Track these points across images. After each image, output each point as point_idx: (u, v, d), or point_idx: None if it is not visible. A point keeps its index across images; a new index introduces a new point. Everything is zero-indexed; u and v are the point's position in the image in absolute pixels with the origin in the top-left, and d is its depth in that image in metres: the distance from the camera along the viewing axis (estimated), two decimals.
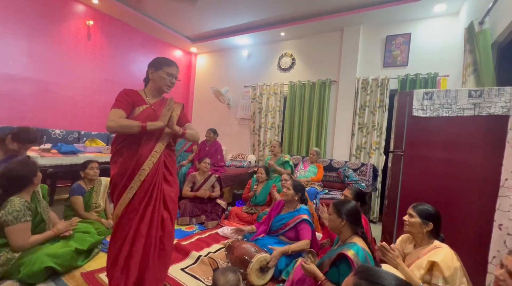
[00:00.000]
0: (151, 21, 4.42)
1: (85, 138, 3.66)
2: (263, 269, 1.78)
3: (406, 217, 1.44)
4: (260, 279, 1.76)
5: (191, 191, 3.13)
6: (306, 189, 3.04)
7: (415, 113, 1.93)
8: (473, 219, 1.73)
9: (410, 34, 3.62)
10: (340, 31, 4.08)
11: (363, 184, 3.37)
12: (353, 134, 3.89)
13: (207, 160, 3.28)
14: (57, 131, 3.53)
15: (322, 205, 2.25)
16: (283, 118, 4.60)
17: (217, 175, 3.33)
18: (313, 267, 1.37)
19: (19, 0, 3.28)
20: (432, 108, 1.87)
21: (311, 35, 4.39)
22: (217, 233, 2.73)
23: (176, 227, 2.67)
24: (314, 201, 3.09)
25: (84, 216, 2.33)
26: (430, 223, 1.34)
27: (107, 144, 3.43)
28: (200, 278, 1.82)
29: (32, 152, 2.40)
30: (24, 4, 3.33)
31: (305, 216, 2.05)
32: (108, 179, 2.60)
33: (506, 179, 1.41)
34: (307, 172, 3.58)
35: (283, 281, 1.78)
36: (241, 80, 5.11)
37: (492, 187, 1.50)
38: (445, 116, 1.82)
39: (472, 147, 1.76)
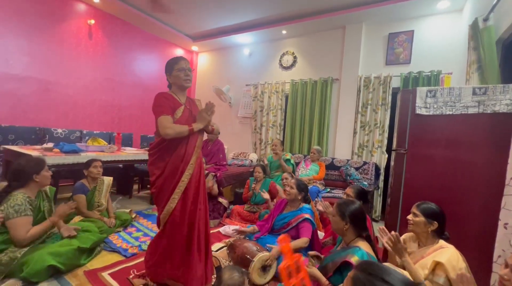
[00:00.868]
0: (152, 20, 4.41)
1: (87, 137, 3.67)
2: (265, 268, 1.78)
3: (410, 216, 1.42)
4: (262, 278, 1.76)
5: None
6: (308, 187, 3.04)
7: (418, 111, 1.91)
8: (478, 218, 1.71)
9: (413, 31, 3.59)
10: (342, 28, 4.05)
11: (365, 183, 3.36)
12: (355, 133, 3.87)
13: (202, 159, 3.27)
14: (59, 131, 3.54)
15: (322, 200, 2.23)
16: (285, 116, 4.59)
17: (213, 173, 3.32)
18: (315, 271, 1.35)
19: (20, 0, 3.28)
20: (435, 106, 1.85)
21: (313, 33, 4.36)
22: (219, 231, 2.73)
23: None
24: (316, 199, 3.08)
25: (87, 214, 2.34)
26: (435, 222, 1.32)
27: (109, 143, 3.44)
28: None
29: (35, 152, 2.41)
30: (25, 3, 3.32)
31: (307, 215, 2.04)
32: (111, 178, 2.62)
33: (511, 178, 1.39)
34: (308, 171, 3.57)
35: None
36: (243, 79, 5.10)
37: (497, 186, 1.48)
38: (448, 114, 1.80)
39: (476, 145, 1.74)
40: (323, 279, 1.32)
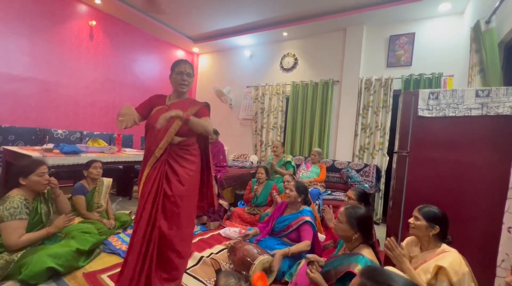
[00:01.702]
0: (154, 21, 4.42)
1: (87, 138, 3.66)
2: (266, 271, 1.76)
3: (411, 220, 1.40)
4: None
5: None
6: (309, 190, 3.02)
7: (420, 113, 1.90)
8: (481, 221, 1.70)
9: (414, 33, 3.59)
10: (343, 31, 4.05)
11: (367, 185, 3.34)
12: (356, 135, 3.86)
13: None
14: (59, 131, 3.54)
15: (327, 206, 2.21)
16: (286, 118, 4.58)
17: (214, 174, 3.31)
18: (318, 277, 1.33)
19: (21, 1, 3.28)
20: (438, 108, 1.83)
21: (313, 35, 4.36)
22: (219, 234, 2.71)
23: None
24: (317, 202, 3.06)
25: (86, 216, 2.33)
26: (437, 226, 1.30)
27: (110, 144, 3.43)
28: (202, 280, 1.81)
29: (35, 152, 2.40)
30: (27, 4, 3.33)
31: (308, 218, 2.03)
32: (110, 179, 2.61)
33: None
34: (309, 173, 3.56)
35: (286, 283, 1.76)
36: (243, 80, 5.10)
37: (501, 189, 1.46)
38: (451, 116, 1.79)
39: (479, 148, 1.72)
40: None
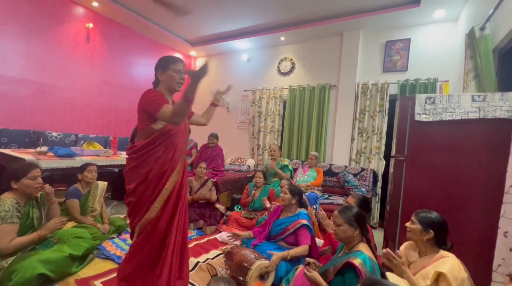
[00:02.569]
0: (151, 24, 4.41)
1: (82, 141, 3.61)
2: (262, 276, 1.74)
3: (408, 223, 1.41)
4: None
5: (189, 196, 3.09)
6: (306, 194, 3.01)
7: (417, 118, 1.91)
8: (477, 226, 1.70)
9: (409, 39, 3.64)
10: (340, 35, 4.09)
11: (363, 189, 3.35)
12: (353, 139, 3.87)
13: (203, 164, 3.24)
14: (54, 134, 3.49)
15: (321, 210, 2.20)
16: (283, 122, 4.59)
17: (213, 180, 3.29)
18: (316, 275, 1.33)
19: (18, 2, 3.26)
20: (435, 112, 1.85)
21: (311, 40, 4.40)
22: (215, 238, 2.68)
23: None
24: (314, 206, 3.05)
25: (80, 220, 2.29)
26: (431, 231, 1.31)
27: (105, 147, 3.39)
28: None
29: (28, 155, 2.36)
30: (23, 6, 3.31)
31: (305, 221, 2.01)
32: (105, 183, 2.57)
33: (511, 186, 1.39)
34: (306, 177, 3.55)
35: None
36: (241, 84, 5.10)
37: (497, 193, 1.47)
38: (448, 120, 1.80)
39: (476, 152, 1.73)
40: (323, 283, 1.30)
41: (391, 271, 1.32)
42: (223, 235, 2.68)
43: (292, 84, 4.46)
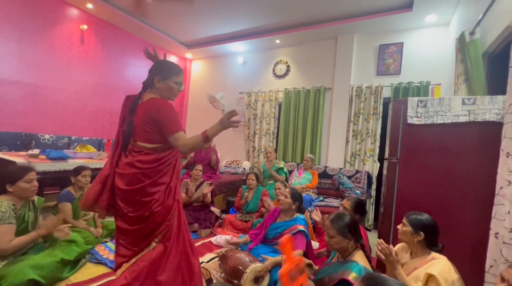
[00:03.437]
0: (146, 27, 4.40)
1: (75, 144, 3.58)
2: (257, 280, 1.73)
3: (400, 226, 1.42)
4: None
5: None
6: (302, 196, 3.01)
7: (410, 121, 1.93)
8: (469, 227, 1.72)
9: (402, 43, 3.70)
10: (334, 39, 4.14)
11: (358, 192, 3.37)
12: (347, 141, 3.90)
13: (199, 167, 3.23)
14: (47, 136, 3.44)
15: (317, 210, 2.21)
16: (278, 124, 4.60)
17: (209, 182, 3.28)
18: (310, 283, 1.32)
19: (11, 3, 3.23)
20: (426, 115, 1.88)
21: (305, 43, 4.44)
22: (210, 242, 2.66)
23: None
24: (309, 208, 3.05)
25: (72, 224, 2.24)
26: (421, 233, 1.32)
27: (99, 150, 3.35)
28: None
29: (19, 158, 2.32)
30: (16, 7, 3.27)
31: (302, 227, 2.00)
32: None
33: (501, 187, 1.41)
34: (301, 179, 3.56)
35: None
36: (236, 87, 5.11)
37: (488, 195, 1.50)
38: (440, 123, 1.83)
39: (467, 154, 1.76)
40: None
41: (384, 270, 1.33)
42: (218, 238, 2.67)
43: (287, 86, 4.49)
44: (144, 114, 1.33)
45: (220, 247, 2.51)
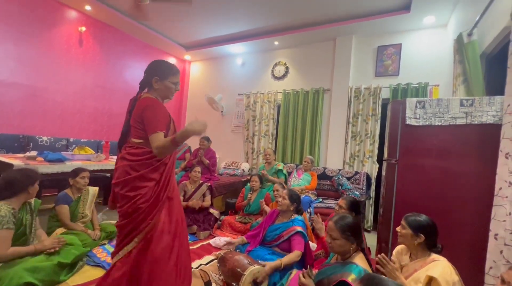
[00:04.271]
0: (145, 28, 4.40)
1: (74, 146, 3.56)
2: (256, 282, 1.72)
3: (399, 228, 1.41)
4: None
5: (183, 200, 3.05)
6: (300, 198, 3.00)
7: (408, 122, 1.93)
8: (469, 228, 1.72)
9: (400, 44, 3.71)
10: (333, 41, 4.15)
11: (357, 193, 3.36)
12: (346, 142, 3.90)
13: (198, 168, 3.22)
14: (45, 138, 3.43)
15: (316, 215, 2.20)
16: (277, 126, 4.60)
17: (208, 184, 3.27)
18: (310, 283, 1.31)
19: (9, 5, 3.22)
20: (425, 117, 1.88)
21: (304, 45, 4.44)
22: (209, 244, 2.65)
23: None
24: (308, 210, 3.05)
25: (70, 226, 2.23)
26: (421, 235, 1.31)
27: (97, 152, 3.34)
28: None
29: (17, 160, 2.30)
30: (14, 9, 3.27)
31: (300, 228, 2.00)
32: (96, 188, 2.52)
33: (500, 188, 1.41)
34: (300, 181, 3.55)
35: None
36: (235, 88, 5.11)
37: (487, 196, 1.49)
38: (437, 125, 1.83)
39: (465, 156, 1.76)
40: None
41: (384, 274, 1.32)
42: (216, 240, 2.65)
43: (286, 88, 4.49)
44: (134, 113, 1.39)
45: (219, 249, 2.49)
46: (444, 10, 3.14)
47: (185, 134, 1.24)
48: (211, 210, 3.11)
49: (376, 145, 3.67)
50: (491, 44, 2.01)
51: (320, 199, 3.42)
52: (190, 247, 2.49)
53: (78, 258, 1.91)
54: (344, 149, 3.93)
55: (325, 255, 1.97)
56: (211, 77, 5.55)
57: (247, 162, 4.80)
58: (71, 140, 3.71)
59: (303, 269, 1.48)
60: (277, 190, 2.72)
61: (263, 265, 1.77)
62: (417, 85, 3.47)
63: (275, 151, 4.32)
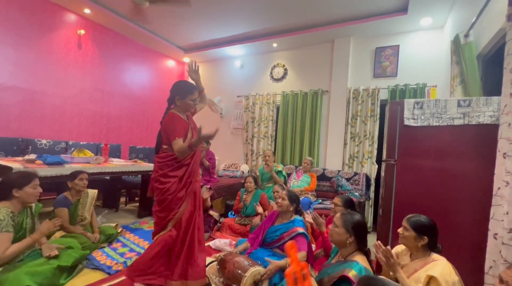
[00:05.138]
0: (144, 31, 4.42)
1: (73, 149, 3.55)
2: (257, 284, 1.71)
3: (400, 230, 1.41)
4: None
5: None
6: (300, 199, 3.01)
7: (406, 123, 1.94)
8: (468, 228, 1.73)
9: (398, 46, 3.73)
10: (331, 42, 4.17)
11: (357, 194, 3.36)
12: (345, 144, 3.91)
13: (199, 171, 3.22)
14: (44, 142, 3.42)
15: (310, 213, 2.23)
16: (276, 127, 4.61)
17: (208, 186, 3.27)
18: (313, 284, 1.32)
19: (7, 8, 3.23)
20: (423, 117, 1.89)
21: (303, 46, 4.47)
22: (209, 246, 2.64)
23: None
24: (308, 211, 3.04)
25: (69, 229, 2.23)
26: (425, 237, 1.31)
27: (96, 154, 3.33)
28: None
29: (16, 163, 2.30)
30: (13, 12, 3.27)
31: (301, 229, 2.00)
32: (95, 191, 2.52)
33: (499, 188, 1.41)
34: (300, 182, 3.56)
35: None
36: (234, 90, 5.13)
37: (485, 196, 1.50)
38: (435, 125, 1.84)
39: (463, 156, 1.77)
40: None
41: (385, 274, 1.32)
42: (216, 242, 2.65)
43: (285, 89, 4.51)
44: (162, 125, 1.83)
45: (219, 251, 2.49)
46: (441, 11, 3.17)
47: (198, 140, 1.67)
48: (211, 212, 3.11)
49: (375, 146, 3.69)
50: (487, 45, 2.03)
51: (320, 200, 3.42)
52: None
53: (78, 261, 1.90)
54: (343, 150, 3.94)
55: (325, 255, 1.97)
56: (210, 79, 5.56)
57: (246, 164, 4.80)
58: (70, 143, 3.71)
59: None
60: (277, 191, 2.73)
61: (264, 267, 1.76)
62: (415, 86, 3.49)
63: (274, 153, 4.32)
